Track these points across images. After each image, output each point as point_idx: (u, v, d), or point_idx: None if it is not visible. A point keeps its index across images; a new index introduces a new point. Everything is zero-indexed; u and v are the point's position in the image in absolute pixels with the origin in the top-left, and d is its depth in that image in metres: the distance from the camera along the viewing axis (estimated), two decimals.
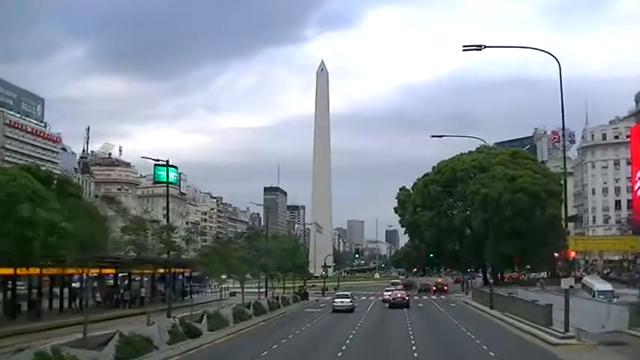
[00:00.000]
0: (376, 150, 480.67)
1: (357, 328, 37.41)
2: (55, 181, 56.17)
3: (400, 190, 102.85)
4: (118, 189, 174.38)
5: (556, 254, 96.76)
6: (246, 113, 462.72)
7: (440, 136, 51.80)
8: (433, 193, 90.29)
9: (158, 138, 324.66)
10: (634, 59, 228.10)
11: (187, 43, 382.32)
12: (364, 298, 73.06)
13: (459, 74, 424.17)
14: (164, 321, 29.24)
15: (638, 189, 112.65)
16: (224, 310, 39.10)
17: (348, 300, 54.44)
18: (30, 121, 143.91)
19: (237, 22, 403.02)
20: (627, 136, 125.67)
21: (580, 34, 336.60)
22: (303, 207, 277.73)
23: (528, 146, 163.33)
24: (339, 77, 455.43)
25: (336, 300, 54.99)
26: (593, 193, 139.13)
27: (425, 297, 76.50)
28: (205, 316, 33.61)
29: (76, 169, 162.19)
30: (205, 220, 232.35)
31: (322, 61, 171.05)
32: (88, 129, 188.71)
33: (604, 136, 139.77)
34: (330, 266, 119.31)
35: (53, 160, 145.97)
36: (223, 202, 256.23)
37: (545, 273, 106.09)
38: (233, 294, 65.92)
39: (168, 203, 40.69)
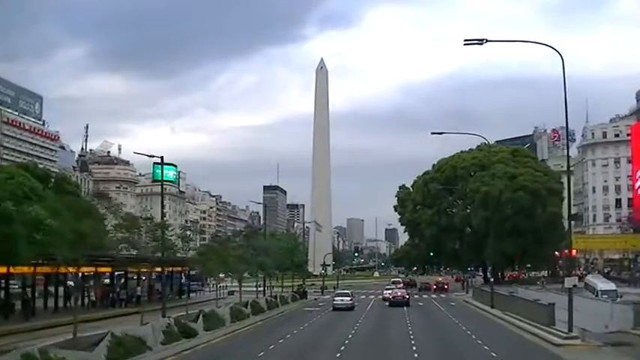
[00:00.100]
0: (376, 149, 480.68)
1: (356, 327, 36.79)
2: (53, 179, 55.87)
3: (400, 188, 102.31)
4: (117, 187, 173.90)
5: (557, 253, 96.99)
6: (246, 112, 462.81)
7: (440, 133, 51.23)
8: (433, 191, 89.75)
9: (158, 137, 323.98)
10: (634, 58, 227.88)
11: (187, 42, 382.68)
12: (364, 297, 72.48)
13: (458, 73, 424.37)
14: (158, 321, 28.61)
15: (638, 187, 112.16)
16: (221, 309, 38.48)
17: (348, 298, 54.77)
18: (28, 119, 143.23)
19: (237, 22, 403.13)
20: (628, 135, 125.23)
21: (580, 34, 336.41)
22: (303, 205, 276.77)
23: (528, 145, 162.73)
24: (339, 76, 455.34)
25: (336, 298, 55.32)
26: (594, 191, 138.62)
27: (425, 295, 76.05)
28: (201, 316, 32.94)
29: (74, 167, 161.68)
30: (204, 219, 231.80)
31: (322, 59, 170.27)
32: (87, 127, 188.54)
33: (604, 135, 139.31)
34: (329, 265, 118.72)
35: (51, 158, 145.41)
36: (222, 200, 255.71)
37: (546, 272, 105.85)
38: (231, 293, 65.27)
39: (162, 200, 39.89)
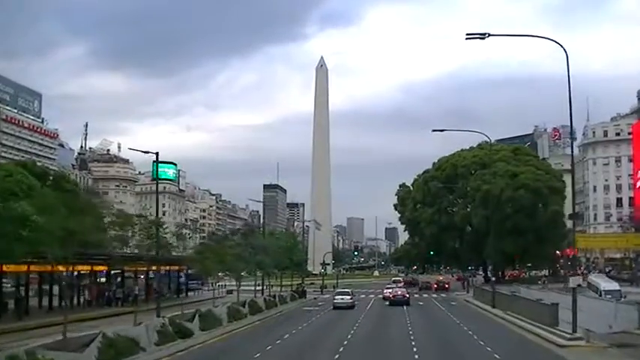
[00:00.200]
0: (376, 148, 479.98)
1: (355, 327, 36.14)
2: (51, 177, 55.37)
3: (400, 186, 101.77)
4: (116, 186, 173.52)
5: (558, 252, 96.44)
6: (246, 111, 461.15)
7: (441, 130, 50.58)
8: (433, 190, 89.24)
9: (157, 135, 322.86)
10: (635, 57, 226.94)
11: (187, 40, 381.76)
12: (363, 296, 71.89)
13: (459, 73, 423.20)
14: (153, 321, 27.91)
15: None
16: (218, 308, 37.83)
17: (349, 297, 54.96)
18: (27, 117, 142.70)
19: (237, 20, 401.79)
20: (629, 133, 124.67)
21: (581, 33, 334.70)
22: (303, 204, 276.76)
23: (529, 143, 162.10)
24: (339, 75, 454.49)
25: (336, 297, 55.52)
26: (595, 190, 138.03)
27: (425, 295, 75.47)
28: (197, 316, 32.27)
29: (73, 165, 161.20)
30: (204, 217, 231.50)
31: (322, 57, 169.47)
32: (86, 125, 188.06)
33: (605, 133, 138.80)
34: (328, 264, 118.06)
35: (50, 156, 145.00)
36: (222, 199, 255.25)
37: (547, 271, 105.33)
38: (230, 292, 64.68)
39: (157, 197, 39.19)
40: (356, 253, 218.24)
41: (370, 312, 50.58)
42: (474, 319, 41.82)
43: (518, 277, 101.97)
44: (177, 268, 61.27)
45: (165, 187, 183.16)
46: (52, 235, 19.00)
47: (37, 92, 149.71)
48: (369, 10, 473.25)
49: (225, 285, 69.84)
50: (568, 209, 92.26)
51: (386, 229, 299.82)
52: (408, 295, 58.86)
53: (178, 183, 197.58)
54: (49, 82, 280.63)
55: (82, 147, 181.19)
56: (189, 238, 52.84)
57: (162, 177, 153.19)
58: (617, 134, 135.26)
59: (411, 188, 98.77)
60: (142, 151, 34.96)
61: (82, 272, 47.40)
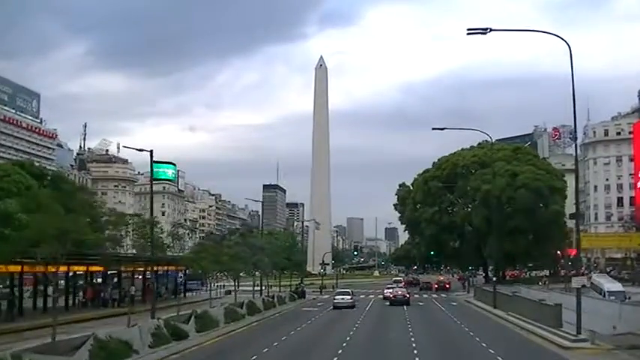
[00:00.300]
0: (376, 148, 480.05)
1: (355, 328, 35.44)
2: (49, 177, 54.74)
3: (400, 186, 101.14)
4: (115, 186, 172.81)
5: (558, 252, 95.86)
6: (247, 110, 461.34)
7: (441, 129, 49.92)
8: (433, 190, 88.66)
9: (158, 135, 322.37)
10: (636, 56, 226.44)
11: (188, 40, 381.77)
12: (363, 296, 71.24)
13: (459, 72, 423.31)
14: (147, 322, 27.27)
15: None
16: (215, 309, 37.17)
17: (349, 297, 55.09)
18: (25, 117, 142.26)
19: (237, 20, 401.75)
20: (630, 133, 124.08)
21: (582, 32, 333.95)
22: (302, 204, 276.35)
23: (529, 143, 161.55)
24: (339, 75, 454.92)
25: (336, 297, 55.62)
26: (595, 190, 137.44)
27: (425, 295, 74.93)
28: (193, 317, 31.59)
29: (72, 165, 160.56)
30: (204, 218, 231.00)
31: (321, 56, 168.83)
32: (85, 125, 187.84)
33: (606, 133, 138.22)
34: (327, 264, 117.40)
35: (49, 156, 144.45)
36: (222, 199, 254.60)
37: (547, 271, 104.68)
38: (228, 292, 64.08)
39: (152, 195, 38.55)
40: (356, 253, 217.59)
41: (370, 312, 49.97)
42: (475, 320, 41.27)
43: (518, 278, 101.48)
44: (174, 268, 60.65)
45: (164, 188, 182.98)
46: (41, 234, 18.35)
47: (36, 92, 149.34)
48: (369, 9, 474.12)
49: (224, 285, 69.25)
50: (569, 209, 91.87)
51: (386, 229, 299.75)
52: (408, 295, 58.85)
53: (177, 183, 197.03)
54: (48, 83, 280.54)
55: (80, 147, 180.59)
56: (190, 237, 52.12)
57: (161, 177, 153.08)
58: (618, 134, 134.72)
59: (411, 188, 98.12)
60: (137, 149, 34.37)
61: (77, 273, 46.82)
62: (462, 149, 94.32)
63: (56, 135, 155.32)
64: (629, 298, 42.17)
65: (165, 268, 57.55)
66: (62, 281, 45.03)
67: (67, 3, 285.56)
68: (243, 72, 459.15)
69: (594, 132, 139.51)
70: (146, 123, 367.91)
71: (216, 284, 73.27)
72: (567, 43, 28.24)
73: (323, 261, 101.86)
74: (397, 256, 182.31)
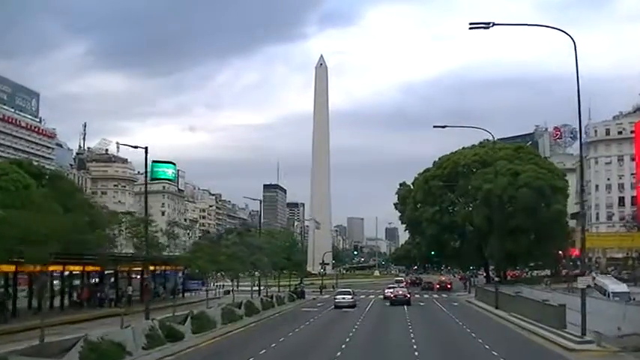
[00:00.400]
0: (377, 147, 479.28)
1: (354, 330, 34.74)
2: (47, 177, 54.23)
3: (400, 185, 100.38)
4: (115, 185, 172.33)
5: (560, 252, 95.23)
6: (247, 110, 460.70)
7: (443, 127, 49.50)
8: (434, 189, 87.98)
9: (158, 135, 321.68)
10: (638, 56, 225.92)
11: (187, 40, 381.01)
12: (363, 296, 70.63)
13: (459, 72, 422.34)
14: (141, 323, 26.61)
15: None
16: (212, 310, 36.52)
17: (350, 296, 55.36)
18: (24, 116, 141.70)
19: (237, 20, 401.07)
20: (631, 132, 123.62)
21: (583, 31, 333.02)
22: (303, 204, 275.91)
23: (530, 143, 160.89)
24: (339, 75, 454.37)
25: (337, 296, 55.95)
26: (597, 189, 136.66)
27: (426, 295, 74.39)
28: (189, 318, 30.94)
29: (71, 165, 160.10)
30: (204, 217, 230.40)
31: (321, 55, 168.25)
32: (85, 125, 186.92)
33: (607, 132, 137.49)
34: (328, 264, 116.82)
35: (48, 155, 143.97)
36: (222, 199, 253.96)
37: (549, 271, 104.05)
38: (227, 292, 63.51)
39: (146, 192, 37.82)
40: (356, 252, 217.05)
41: (370, 313, 49.41)
42: (477, 320, 40.76)
43: (519, 278, 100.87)
44: (172, 267, 59.98)
45: (164, 187, 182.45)
46: (26, 233, 17.69)
47: (35, 91, 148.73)
48: (369, 9, 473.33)
49: (223, 285, 68.72)
50: (570, 208, 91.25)
51: (386, 229, 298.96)
52: (409, 295, 58.92)
53: (177, 183, 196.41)
54: (48, 82, 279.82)
55: (80, 147, 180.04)
56: (190, 237, 51.51)
57: (161, 177, 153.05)
58: (620, 133, 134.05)
59: (412, 187, 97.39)
60: (132, 146, 33.67)
61: (74, 272, 46.20)
62: (463, 148, 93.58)
63: (55, 134, 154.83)
64: (634, 299, 41.49)
65: (163, 267, 56.82)
66: (57, 281, 44.45)
67: (67, 3, 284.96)
68: (243, 72, 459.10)
69: (596, 131, 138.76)
70: (146, 123, 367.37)
71: (215, 284, 72.76)
72: (572, 38, 27.73)
73: (323, 261, 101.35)
74: (397, 256, 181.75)
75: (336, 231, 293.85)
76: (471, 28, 27.60)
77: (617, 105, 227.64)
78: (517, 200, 77.91)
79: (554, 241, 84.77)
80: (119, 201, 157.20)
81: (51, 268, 40.01)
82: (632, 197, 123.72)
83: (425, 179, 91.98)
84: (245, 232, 72.44)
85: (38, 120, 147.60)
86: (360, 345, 28.79)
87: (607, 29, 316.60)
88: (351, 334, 32.11)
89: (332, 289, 79.82)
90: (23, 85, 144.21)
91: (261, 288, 61.15)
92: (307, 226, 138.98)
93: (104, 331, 22.69)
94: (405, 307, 53.08)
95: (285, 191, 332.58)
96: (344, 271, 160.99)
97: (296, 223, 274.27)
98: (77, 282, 47.73)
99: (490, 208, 69.39)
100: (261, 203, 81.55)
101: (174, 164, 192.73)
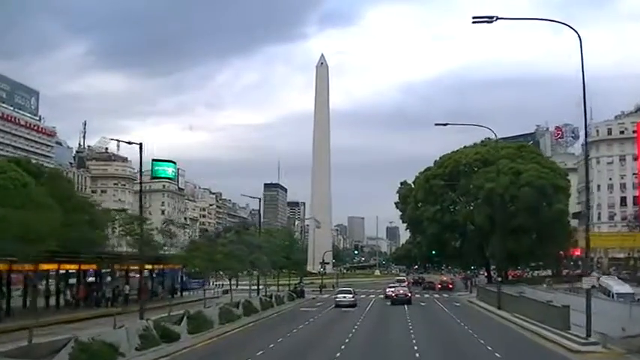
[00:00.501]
0: (377, 147, 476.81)
1: (354, 330, 34.12)
2: (46, 175, 53.56)
3: (401, 184, 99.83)
4: (115, 184, 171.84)
5: (562, 252, 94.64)
6: (248, 110, 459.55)
7: (444, 124, 48.87)
8: (435, 188, 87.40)
9: (159, 134, 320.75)
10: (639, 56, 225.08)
11: (187, 40, 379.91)
12: (364, 296, 70.02)
13: (459, 72, 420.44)
14: (135, 323, 25.96)
15: None
16: (210, 309, 35.86)
17: (351, 295, 55.89)
18: (23, 115, 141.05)
19: (237, 20, 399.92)
20: (633, 131, 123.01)
21: (584, 31, 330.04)
22: (304, 203, 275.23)
23: (531, 142, 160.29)
24: (339, 74, 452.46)
25: (338, 295, 56.58)
26: (598, 189, 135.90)
27: (427, 295, 73.80)
28: (185, 317, 30.28)
29: (71, 163, 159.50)
30: (204, 216, 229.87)
31: (322, 54, 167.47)
32: (85, 123, 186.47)
33: (609, 131, 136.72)
34: (328, 263, 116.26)
35: (47, 154, 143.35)
36: (223, 198, 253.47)
37: (550, 271, 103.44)
38: (226, 292, 62.88)
39: (141, 190, 37.27)
40: (356, 252, 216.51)
41: (370, 312, 48.85)
42: (479, 321, 40.18)
43: (520, 277, 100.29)
44: (172, 266, 59.37)
45: (164, 186, 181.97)
46: (3, 232, 17.03)
47: (34, 90, 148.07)
48: (369, 9, 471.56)
49: (223, 285, 68.10)
50: (572, 208, 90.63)
51: (387, 228, 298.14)
52: (410, 295, 59.24)
53: (177, 182, 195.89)
54: (48, 82, 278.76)
55: (80, 145, 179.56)
56: (190, 235, 50.88)
57: (161, 175, 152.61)
58: (622, 132, 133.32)
59: (413, 186, 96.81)
60: (126, 142, 33.12)
61: (70, 271, 45.62)
62: (465, 147, 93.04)
63: (55, 132, 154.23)
64: (639, 300, 40.85)
65: (161, 266, 56.20)
66: (52, 280, 43.91)
67: (67, 3, 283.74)
68: (243, 72, 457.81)
69: (597, 131, 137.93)
70: (146, 122, 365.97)
71: (215, 283, 72.14)
72: (577, 32, 27.11)
73: (323, 260, 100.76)
74: (398, 256, 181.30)
75: (337, 230, 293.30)
76: (474, 22, 27.13)
77: (618, 104, 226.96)
78: (519, 199, 77.30)
79: (555, 241, 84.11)
80: (119, 199, 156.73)
81: (46, 267, 39.64)
82: (634, 197, 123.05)
83: (426, 178, 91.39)
84: (243, 231, 71.61)
85: (37, 118, 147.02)
86: (360, 346, 28.20)
87: (609, 28, 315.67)
88: (350, 335, 31.52)
89: (332, 289, 79.25)
90: (22, 83, 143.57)
91: (261, 287, 60.53)
92: (308, 225, 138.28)
93: (96, 331, 22.08)
94: (406, 306, 52.68)
95: (285, 190, 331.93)
96: (344, 271, 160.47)
97: (296, 222, 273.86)
98: (73, 281, 47.15)
99: (492, 208, 68.83)
100: (260, 201, 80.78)
101: (174, 163, 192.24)
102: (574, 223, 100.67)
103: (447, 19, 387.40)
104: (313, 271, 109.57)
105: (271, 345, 27.60)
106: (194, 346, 27.61)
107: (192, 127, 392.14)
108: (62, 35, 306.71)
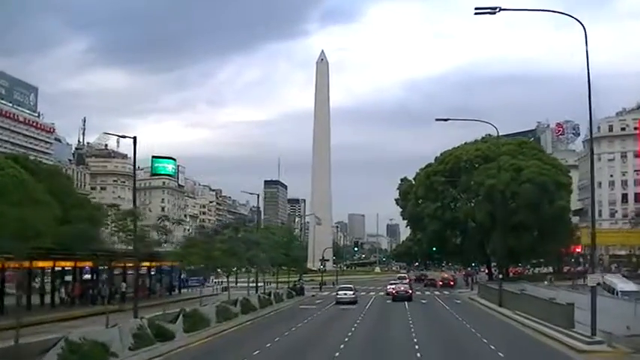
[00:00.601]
0: (378, 144, 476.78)
1: (354, 328, 33.47)
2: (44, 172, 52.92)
3: (402, 180, 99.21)
4: (114, 181, 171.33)
5: (563, 249, 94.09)
6: (249, 107, 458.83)
7: (445, 120, 48.26)
8: (436, 184, 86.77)
9: (159, 131, 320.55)
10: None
11: (188, 37, 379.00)
12: (364, 293, 69.46)
13: (461, 70, 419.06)
14: (128, 322, 25.34)
15: None
16: (206, 307, 35.25)
17: (351, 292, 56.33)
18: (23, 111, 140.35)
19: (237, 17, 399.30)
20: (635, 128, 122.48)
21: (586, 28, 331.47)
22: (304, 200, 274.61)
23: (532, 139, 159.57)
24: (341, 71, 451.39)
25: (339, 292, 57.04)
26: (600, 186, 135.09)
27: (428, 292, 73.26)
28: (181, 316, 29.66)
29: (70, 160, 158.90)
30: (204, 213, 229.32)
31: (322, 51, 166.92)
32: (84, 120, 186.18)
33: (610, 128, 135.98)
34: (328, 260, 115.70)
35: (46, 150, 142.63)
36: (223, 194, 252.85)
37: (551, 268, 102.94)
38: (225, 289, 62.29)
39: (135, 184, 36.58)
40: (356, 249, 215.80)
41: (371, 310, 48.30)
42: (480, 318, 39.64)
43: (521, 274, 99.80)
44: (170, 264, 58.74)
45: (164, 183, 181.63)
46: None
47: (33, 86, 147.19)
48: (371, 6, 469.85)
49: (222, 282, 67.45)
50: (573, 205, 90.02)
51: (387, 225, 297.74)
52: (410, 292, 59.45)
53: (177, 178, 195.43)
54: (49, 79, 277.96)
55: (79, 142, 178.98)
56: (189, 232, 50.30)
57: (161, 172, 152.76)
58: (623, 129, 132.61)
59: (413, 182, 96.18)
60: (120, 136, 32.59)
61: (66, 268, 45.04)
62: (466, 143, 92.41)
63: (54, 129, 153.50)
64: None
65: (159, 263, 55.59)
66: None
67: (68, 0, 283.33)
68: (244, 69, 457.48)
69: (599, 127, 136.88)
70: (148, 119, 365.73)
71: (214, 281, 71.51)
72: (582, 24, 26.53)
73: (323, 257, 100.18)
74: (398, 253, 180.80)
75: (337, 227, 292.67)
76: (476, 13, 26.52)
77: (620, 101, 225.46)
78: (520, 196, 76.66)
79: (556, 238, 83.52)
80: (118, 196, 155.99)
81: (40, 264, 39.04)
82: (636, 194, 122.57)
83: (427, 175, 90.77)
84: (241, 227, 70.97)
85: (36, 114, 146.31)
86: (361, 344, 27.64)
87: (609, 25, 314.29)
88: (350, 333, 30.94)
89: (332, 286, 78.72)
90: (21, 80, 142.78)
91: (260, 285, 59.94)
92: (308, 222, 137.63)
93: (88, 331, 21.47)
94: (407, 304, 52.28)
95: (286, 187, 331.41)
96: (344, 268, 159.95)
97: (297, 219, 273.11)
98: (69, 278, 46.54)
99: (493, 204, 68.21)
100: (259, 198, 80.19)
101: (174, 160, 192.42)
102: (575, 220, 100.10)
103: (449, 16, 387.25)
104: (313, 268, 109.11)
105: (268, 344, 27.00)
106: (189, 345, 26.97)
107: (194, 125, 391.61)
108: (63, 32, 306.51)
